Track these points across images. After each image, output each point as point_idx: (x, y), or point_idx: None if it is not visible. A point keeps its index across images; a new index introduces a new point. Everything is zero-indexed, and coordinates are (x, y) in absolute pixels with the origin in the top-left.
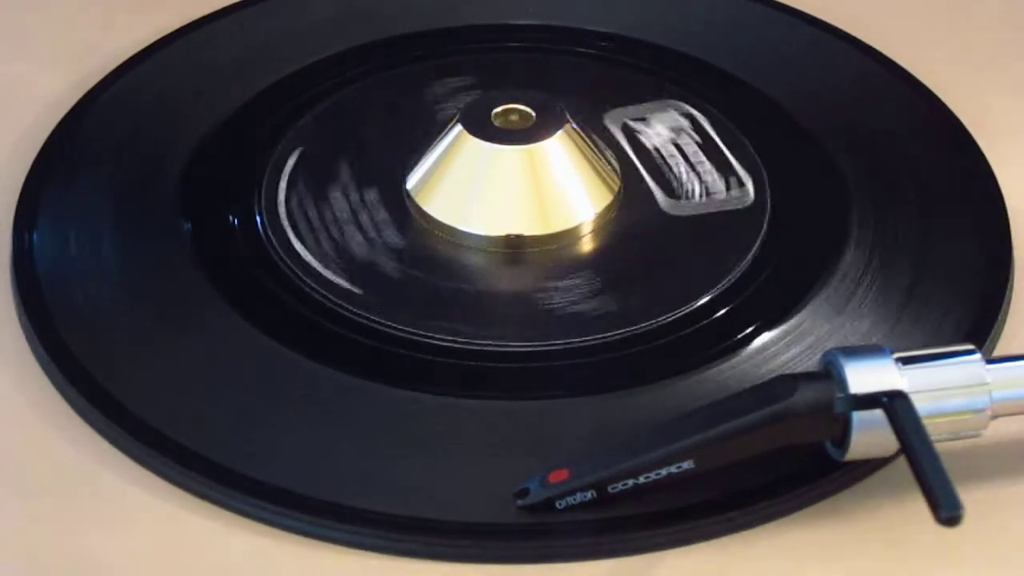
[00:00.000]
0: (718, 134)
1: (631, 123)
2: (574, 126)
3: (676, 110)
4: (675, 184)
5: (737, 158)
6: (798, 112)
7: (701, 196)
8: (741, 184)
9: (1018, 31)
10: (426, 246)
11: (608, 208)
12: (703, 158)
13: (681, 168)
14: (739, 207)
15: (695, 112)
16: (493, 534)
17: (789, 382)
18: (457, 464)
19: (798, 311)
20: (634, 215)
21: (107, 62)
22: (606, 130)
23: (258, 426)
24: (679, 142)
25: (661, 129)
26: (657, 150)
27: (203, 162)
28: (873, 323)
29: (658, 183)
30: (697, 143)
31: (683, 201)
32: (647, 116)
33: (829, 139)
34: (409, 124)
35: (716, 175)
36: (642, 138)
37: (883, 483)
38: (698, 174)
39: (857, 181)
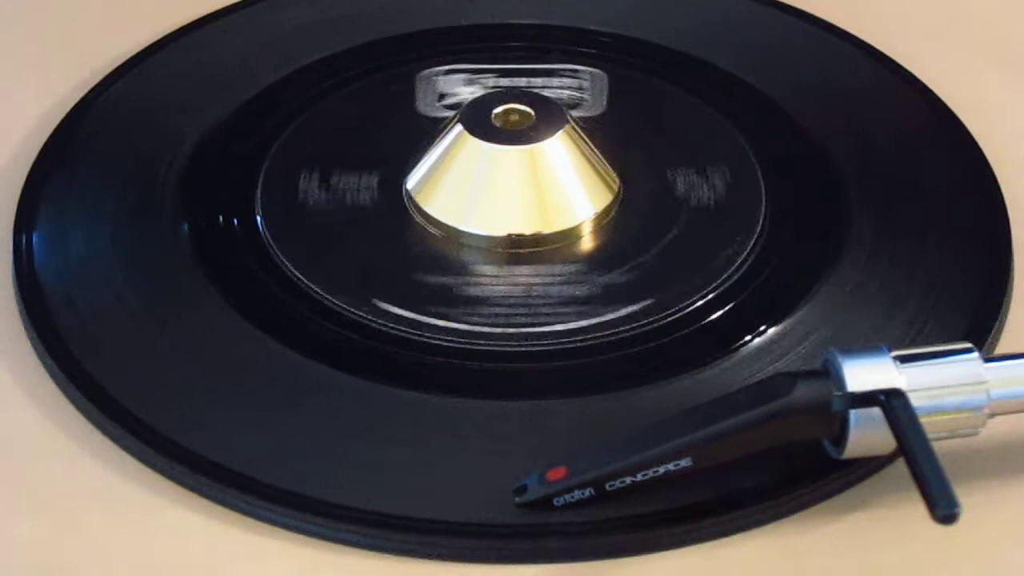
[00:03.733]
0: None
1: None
2: (574, 126)
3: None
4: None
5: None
6: (798, 112)
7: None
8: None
9: (1019, 31)
10: (426, 246)
11: (608, 207)
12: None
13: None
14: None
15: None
16: (492, 534)
17: (787, 380)
18: (456, 464)
19: (798, 311)
20: (634, 215)
21: (107, 62)
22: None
23: (258, 425)
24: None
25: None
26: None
27: (203, 162)
28: (873, 323)
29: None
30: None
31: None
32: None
33: (829, 139)
34: (409, 124)
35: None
36: None
37: (882, 484)
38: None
39: (857, 181)
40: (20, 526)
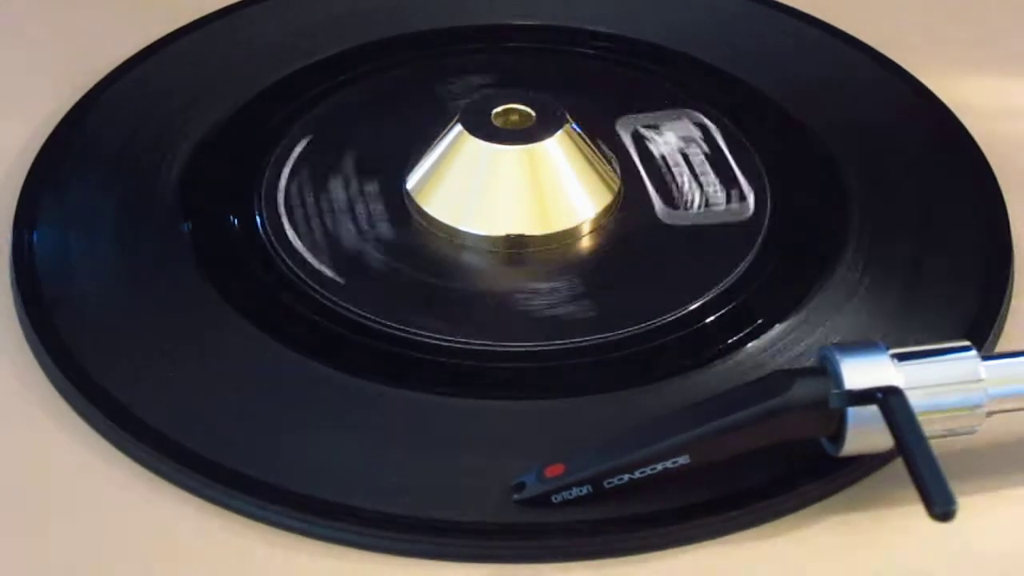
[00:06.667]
0: (728, 146)
1: (642, 130)
2: (574, 126)
3: (690, 119)
4: (675, 193)
5: (740, 166)
6: (798, 112)
7: (700, 207)
8: (742, 198)
9: (1018, 31)
10: (426, 246)
11: (608, 208)
12: (708, 170)
13: (684, 178)
14: (734, 220)
15: (708, 123)
16: (491, 534)
17: (785, 377)
18: (456, 464)
19: (798, 310)
20: (634, 215)
21: (107, 62)
22: (616, 135)
23: (257, 425)
24: (687, 152)
25: (671, 138)
26: (664, 158)
27: (203, 162)
28: (873, 323)
29: (659, 191)
30: (705, 154)
31: (681, 211)
32: (660, 124)
33: (829, 139)
34: (409, 124)
35: (718, 187)
36: (651, 146)
37: (882, 483)
38: (700, 185)
39: (857, 181)
40: (17, 526)
